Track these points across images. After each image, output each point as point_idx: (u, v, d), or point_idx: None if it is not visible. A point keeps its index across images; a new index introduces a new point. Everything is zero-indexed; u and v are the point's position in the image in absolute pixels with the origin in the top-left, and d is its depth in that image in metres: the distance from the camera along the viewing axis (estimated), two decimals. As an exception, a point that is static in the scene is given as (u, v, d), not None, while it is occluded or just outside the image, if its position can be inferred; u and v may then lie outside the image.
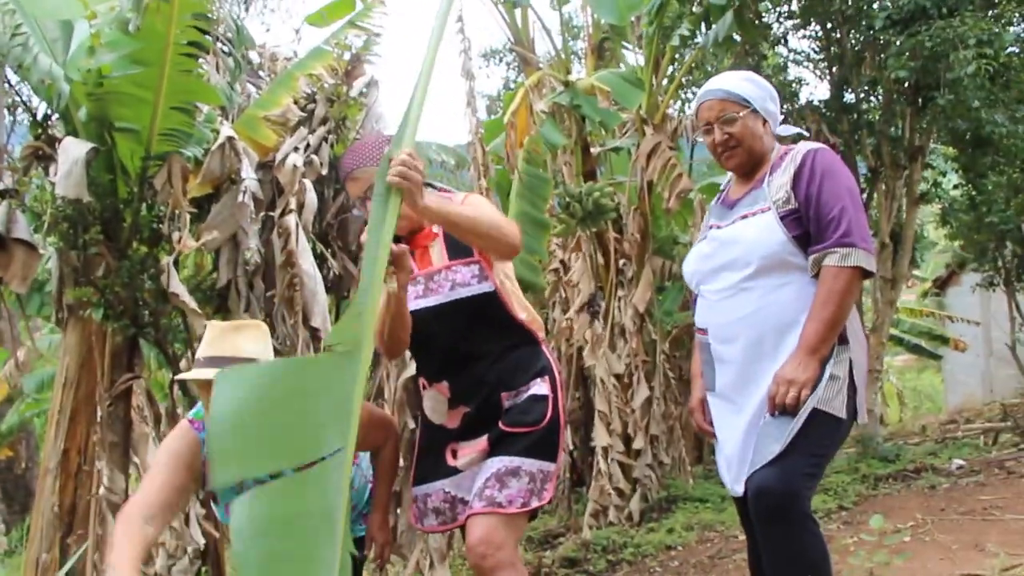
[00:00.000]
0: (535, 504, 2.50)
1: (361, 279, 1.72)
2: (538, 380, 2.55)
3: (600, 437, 6.00)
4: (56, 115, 3.69)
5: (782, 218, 2.43)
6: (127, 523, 2.32)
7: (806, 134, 3.03)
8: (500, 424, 2.53)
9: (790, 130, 2.86)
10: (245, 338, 2.45)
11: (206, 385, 2.34)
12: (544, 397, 2.53)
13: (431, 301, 2.54)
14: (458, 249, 2.55)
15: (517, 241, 2.49)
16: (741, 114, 2.54)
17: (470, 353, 2.57)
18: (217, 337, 2.43)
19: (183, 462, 2.43)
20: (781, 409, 2.32)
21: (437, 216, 2.31)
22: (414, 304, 2.54)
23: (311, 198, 3.72)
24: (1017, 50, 6.53)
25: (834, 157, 2.50)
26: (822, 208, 2.39)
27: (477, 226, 2.40)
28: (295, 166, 3.72)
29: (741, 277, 2.44)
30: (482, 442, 2.54)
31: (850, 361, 2.40)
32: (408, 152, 1.93)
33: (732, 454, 2.45)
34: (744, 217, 2.51)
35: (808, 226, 2.41)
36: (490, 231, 2.43)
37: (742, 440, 2.41)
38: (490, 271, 2.55)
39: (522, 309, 2.63)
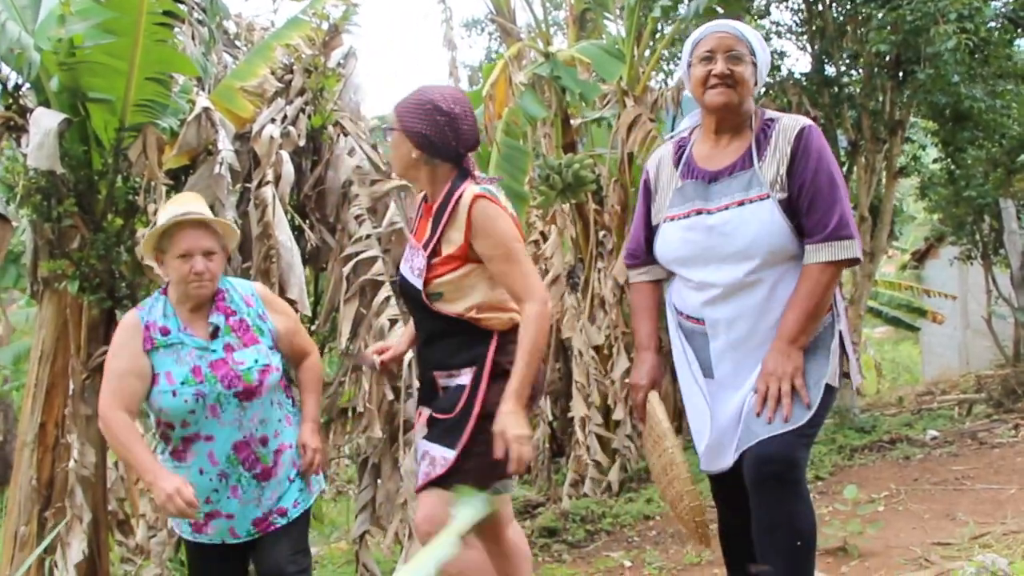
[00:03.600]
0: (423, 480, 2.61)
1: None
2: (465, 370, 2.58)
3: (578, 408, 6.04)
4: (27, 85, 3.63)
5: (783, 207, 2.35)
6: (118, 422, 2.49)
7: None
8: (432, 411, 2.63)
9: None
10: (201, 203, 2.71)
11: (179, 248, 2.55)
12: (462, 388, 2.57)
13: (402, 273, 2.68)
14: (433, 231, 2.57)
15: (545, 318, 2.52)
16: (748, 61, 2.42)
17: (420, 328, 2.70)
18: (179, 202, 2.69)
19: (131, 349, 2.56)
20: (775, 402, 2.32)
21: (525, 397, 2.52)
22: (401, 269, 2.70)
23: (288, 169, 3.68)
24: (997, 25, 6.54)
25: (822, 137, 2.42)
26: (819, 199, 2.32)
27: (536, 363, 2.53)
28: (272, 137, 3.67)
29: (745, 270, 2.37)
30: (423, 414, 2.69)
31: (840, 332, 2.42)
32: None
33: (724, 430, 2.44)
34: (740, 204, 2.38)
35: (801, 214, 2.35)
36: (541, 345, 2.53)
37: (734, 415, 2.42)
38: (431, 274, 2.55)
39: (471, 302, 2.59)
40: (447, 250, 2.52)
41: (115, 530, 4.08)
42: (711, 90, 2.41)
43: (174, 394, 2.53)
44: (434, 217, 2.58)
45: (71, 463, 3.55)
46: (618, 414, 6.17)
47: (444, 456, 2.57)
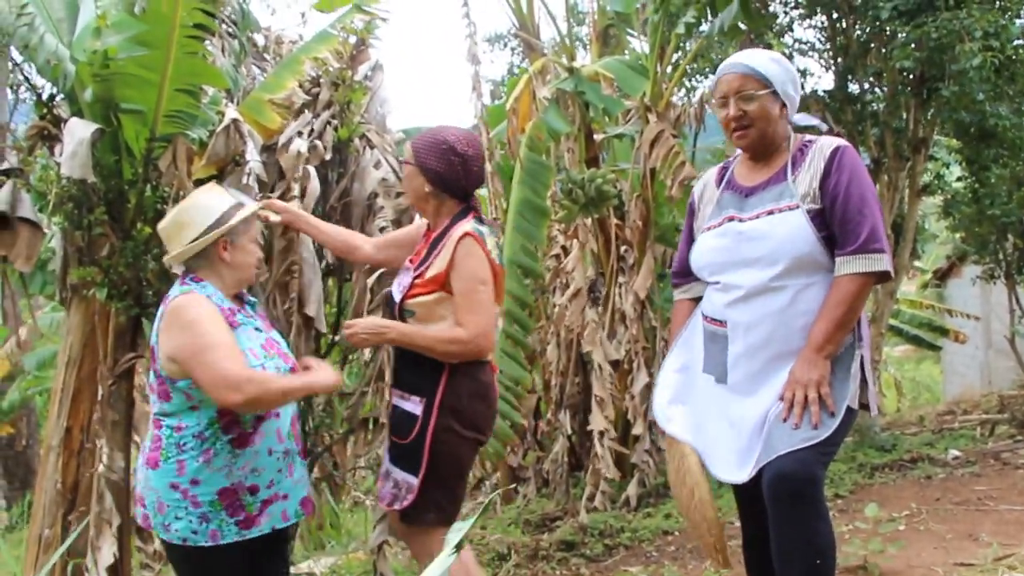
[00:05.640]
0: (397, 507, 2.82)
1: None
2: (415, 398, 2.79)
3: (596, 422, 6.04)
4: (61, 95, 3.69)
5: (812, 218, 2.42)
6: (258, 372, 2.52)
7: (823, 126, 2.98)
8: (390, 430, 2.91)
9: (808, 120, 2.84)
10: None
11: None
12: (414, 417, 2.77)
13: (391, 289, 2.98)
14: (426, 257, 2.85)
15: (464, 349, 2.74)
16: (760, 93, 2.51)
17: (394, 347, 2.99)
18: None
19: (223, 323, 2.56)
20: (801, 408, 2.34)
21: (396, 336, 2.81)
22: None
23: (314, 185, 3.68)
24: (1023, 43, 6.51)
25: (857, 157, 2.50)
26: (850, 211, 2.38)
27: (429, 354, 2.76)
28: (299, 152, 3.70)
29: (771, 276, 2.43)
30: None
31: (862, 357, 2.45)
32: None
33: (742, 443, 2.46)
34: (770, 212, 2.47)
35: (833, 227, 2.41)
36: (443, 356, 2.77)
37: (755, 428, 2.43)
38: (409, 292, 2.81)
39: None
40: (429, 274, 2.78)
41: (135, 536, 4.11)
42: (733, 134, 2.58)
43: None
44: (430, 244, 2.85)
45: (100, 468, 3.59)
46: (637, 429, 6.15)
47: (407, 480, 2.78)
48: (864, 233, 2.36)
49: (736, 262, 2.51)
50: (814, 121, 2.91)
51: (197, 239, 2.63)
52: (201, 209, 2.65)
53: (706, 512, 2.65)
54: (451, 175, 2.81)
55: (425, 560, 2.82)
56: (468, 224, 2.79)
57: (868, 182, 2.46)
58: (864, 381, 2.46)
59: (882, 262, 2.38)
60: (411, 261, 2.92)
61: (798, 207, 2.43)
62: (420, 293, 2.78)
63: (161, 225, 2.71)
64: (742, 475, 2.45)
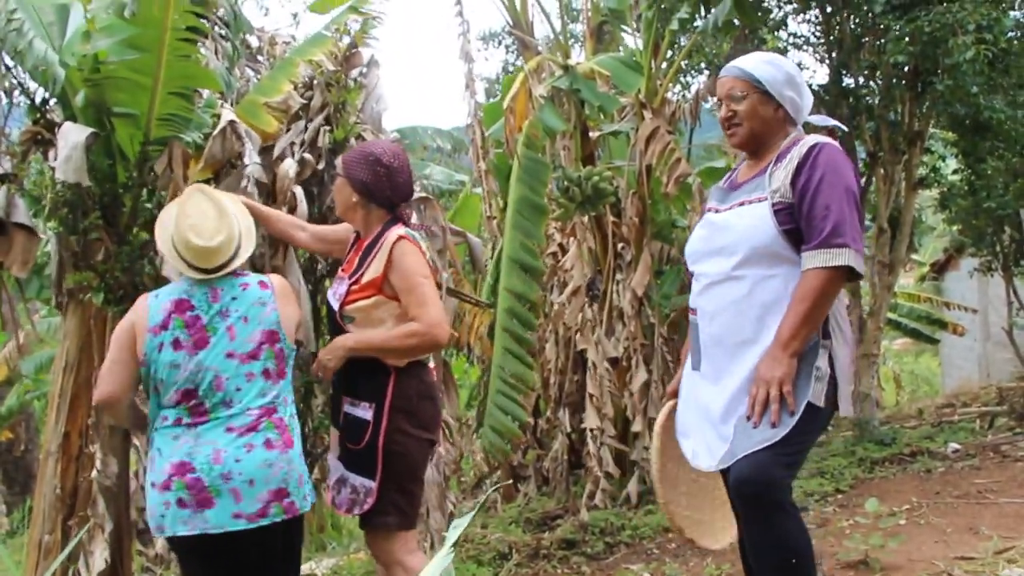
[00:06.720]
0: (356, 511, 2.86)
1: None
2: (365, 404, 2.86)
3: (590, 420, 6.04)
4: (54, 100, 3.68)
5: (777, 211, 2.45)
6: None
7: (843, 128, 3.09)
8: (342, 436, 2.93)
9: (825, 121, 2.85)
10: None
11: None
12: (366, 423, 2.84)
13: (328, 298, 3.03)
14: (359, 264, 2.92)
15: (423, 341, 2.82)
16: (749, 93, 2.57)
17: None
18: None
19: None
20: (762, 407, 2.37)
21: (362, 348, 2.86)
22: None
23: (302, 209, 3.66)
24: (1017, 35, 6.51)
25: (839, 155, 2.49)
26: (816, 207, 2.40)
27: (390, 352, 2.84)
28: (288, 175, 3.68)
29: (731, 265, 2.49)
30: (335, 435, 2.99)
31: (831, 356, 2.45)
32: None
33: (708, 432, 2.54)
34: (741, 204, 2.55)
35: (800, 222, 2.43)
36: (404, 352, 2.85)
37: (719, 418, 2.49)
38: (347, 299, 2.87)
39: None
40: (366, 279, 2.85)
41: (135, 539, 4.10)
42: (726, 133, 2.68)
43: None
44: (363, 252, 2.93)
45: (94, 473, 3.58)
46: (636, 426, 6.15)
47: (365, 484, 2.83)
48: (827, 228, 2.37)
49: (708, 251, 2.60)
50: (832, 122, 2.90)
51: (245, 239, 2.87)
52: (240, 214, 2.89)
53: (654, 463, 2.75)
54: (377, 186, 2.91)
55: (389, 564, 2.87)
56: (400, 229, 2.92)
57: (845, 180, 2.44)
58: (834, 379, 2.46)
59: (843, 256, 2.36)
60: (343, 270, 3.01)
61: (765, 199, 2.48)
62: (358, 298, 2.86)
63: (224, 239, 2.77)
64: (704, 461, 2.54)
